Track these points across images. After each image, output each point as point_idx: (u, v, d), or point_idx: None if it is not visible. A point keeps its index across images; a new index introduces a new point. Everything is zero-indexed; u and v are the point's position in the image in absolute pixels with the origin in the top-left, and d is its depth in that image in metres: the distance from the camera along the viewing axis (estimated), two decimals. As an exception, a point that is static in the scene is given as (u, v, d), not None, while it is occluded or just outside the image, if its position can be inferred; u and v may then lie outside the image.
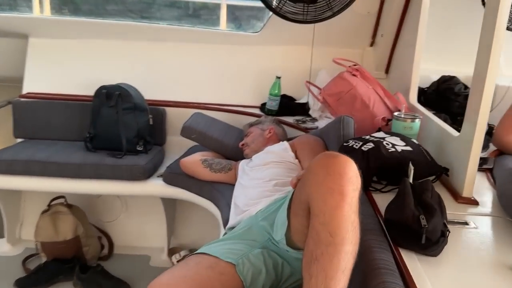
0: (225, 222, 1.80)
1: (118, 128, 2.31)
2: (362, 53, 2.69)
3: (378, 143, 1.54)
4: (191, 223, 2.70)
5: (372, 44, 2.65)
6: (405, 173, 1.52)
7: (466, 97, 2.29)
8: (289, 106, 2.53)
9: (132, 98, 2.35)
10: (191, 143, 2.54)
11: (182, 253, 2.48)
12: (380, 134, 1.66)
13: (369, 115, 2.01)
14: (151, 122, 2.45)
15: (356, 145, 1.58)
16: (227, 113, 2.60)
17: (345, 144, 1.64)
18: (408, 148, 1.56)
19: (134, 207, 2.68)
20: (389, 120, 1.95)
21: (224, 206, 1.90)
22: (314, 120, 2.37)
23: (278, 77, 2.47)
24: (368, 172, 1.50)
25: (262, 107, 2.62)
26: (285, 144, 1.91)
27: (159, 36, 2.71)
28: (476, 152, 1.44)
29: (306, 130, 2.28)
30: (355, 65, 2.16)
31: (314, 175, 1.06)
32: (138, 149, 2.35)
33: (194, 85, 2.71)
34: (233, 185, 2.04)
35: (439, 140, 1.71)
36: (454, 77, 2.31)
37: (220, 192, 2.02)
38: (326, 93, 2.11)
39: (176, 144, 2.61)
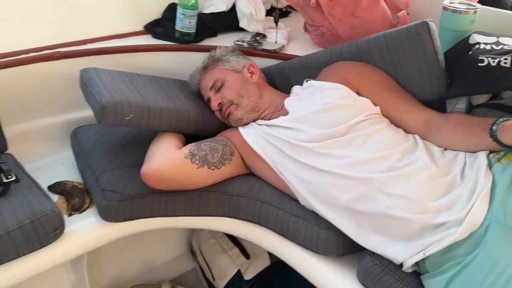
0: (318, 245, 1.07)
1: None
2: None
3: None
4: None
5: None
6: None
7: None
8: (204, 23, 1.61)
9: None
10: (62, 137, 1.43)
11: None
12: (490, 39, 1.18)
13: (381, 13, 1.45)
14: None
15: (505, 62, 1.08)
16: (104, 57, 1.48)
17: (480, 64, 1.10)
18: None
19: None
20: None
21: (292, 221, 1.11)
22: (262, 36, 1.59)
23: (191, -23, 1.49)
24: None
25: (152, 32, 1.60)
26: (341, 87, 1.19)
27: None
28: None
29: (275, 55, 1.51)
30: None
31: None
32: (8, 180, 1.09)
33: (16, 21, 1.38)
34: (243, 175, 1.23)
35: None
36: None
37: (249, 198, 1.17)
38: (320, -10, 1.38)
39: (26, 144, 1.38)
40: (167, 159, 1.13)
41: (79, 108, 1.43)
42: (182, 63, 1.53)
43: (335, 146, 1.08)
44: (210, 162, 1.16)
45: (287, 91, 1.40)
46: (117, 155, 1.25)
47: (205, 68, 1.34)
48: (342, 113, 1.12)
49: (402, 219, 0.94)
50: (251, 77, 1.33)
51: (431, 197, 0.95)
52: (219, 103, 1.28)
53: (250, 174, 1.25)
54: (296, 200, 1.15)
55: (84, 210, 1.20)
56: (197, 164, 1.14)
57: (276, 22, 1.51)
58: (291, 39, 1.62)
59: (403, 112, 1.16)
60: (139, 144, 1.30)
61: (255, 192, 1.17)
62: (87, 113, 1.30)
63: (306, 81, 1.31)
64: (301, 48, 1.55)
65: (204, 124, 1.31)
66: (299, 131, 1.14)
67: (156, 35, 1.59)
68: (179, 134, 1.28)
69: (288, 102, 1.25)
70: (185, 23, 1.51)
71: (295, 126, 1.15)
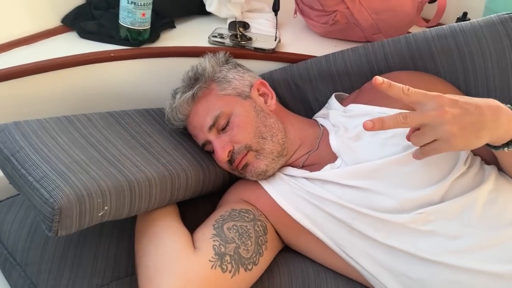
0: None
1: None
2: None
3: None
4: None
5: None
6: None
7: None
8: (155, 9, 1.08)
9: None
10: None
11: None
12: None
13: (411, -8, 1.08)
14: None
15: None
16: (7, 85, 0.91)
17: None
18: None
19: None
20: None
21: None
22: (242, 25, 1.13)
23: None
24: None
25: (78, 28, 1.03)
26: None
27: None
28: None
29: (273, 56, 1.06)
30: None
31: None
32: None
33: None
34: (281, 256, 0.85)
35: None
36: None
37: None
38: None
39: None
40: (187, 275, 0.68)
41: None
42: (141, 77, 1.02)
43: (438, 218, 0.73)
44: (245, 259, 0.74)
45: (303, 113, 1.01)
46: (77, 263, 0.76)
47: (194, 97, 0.86)
48: (433, 162, 0.77)
49: None
50: (266, 102, 0.90)
51: None
52: (230, 151, 0.84)
53: (285, 248, 0.86)
54: (372, 289, 0.80)
55: None
56: (230, 271, 0.72)
57: (276, 10, 1.04)
58: (280, 27, 1.18)
59: None
60: (105, 230, 0.82)
61: (312, 288, 0.80)
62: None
63: (338, 99, 0.92)
64: (302, 41, 1.13)
65: (206, 183, 0.86)
66: (373, 193, 0.77)
67: (85, 34, 1.03)
68: (174, 207, 0.83)
69: (337, 141, 0.85)
70: (136, 16, 0.98)
71: (363, 185, 0.77)
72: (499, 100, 0.87)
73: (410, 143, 0.77)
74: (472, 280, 0.69)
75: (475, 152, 0.82)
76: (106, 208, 0.68)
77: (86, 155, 0.72)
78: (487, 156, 0.81)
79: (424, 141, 0.64)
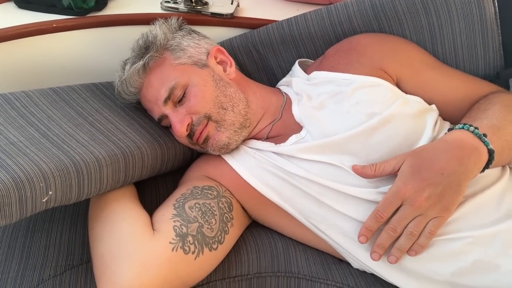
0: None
1: None
2: None
3: None
4: None
5: None
6: None
7: None
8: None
9: None
10: None
11: None
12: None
13: None
14: None
15: None
16: None
17: None
18: None
19: None
20: None
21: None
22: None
23: None
24: None
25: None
26: (379, 83, 0.78)
27: None
28: None
29: (232, 22, 0.99)
30: None
31: None
32: None
33: None
34: (248, 232, 0.81)
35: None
36: None
37: (277, 275, 0.74)
38: None
39: None
40: (145, 260, 0.63)
41: None
42: (87, 48, 0.94)
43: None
44: (209, 238, 0.70)
45: (266, 81, 0.96)
46: (27, 253, 0.71)
47: (146, 67, 0.79)
48: (401, 131, 0.72)
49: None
50: (225, 70, 0.84)
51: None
52: (188, 124, 0.78)
53: (253, 224, 0.82)
54: (344, 261, 0.77)
55: None
56: (193, 252, 0.67)
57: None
58: (237, -11, 1.11)
59: (461, 99, 0.81)
60: (57, 215, 0.76)
61: (282, 263, 0.76)
62: None
63: (303, 66, 0.88)
64: (262, 5, 1.06)
65: (164, 161, 0.81)
66: (340, 168, 0.72)
67: (24, 4, 0.94)
68: (130, 188, 0.77)
69: (300, 110, 0.80)
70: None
71: (330, 161, 0.73)
72: (467, 58, 0.85)
73: (374, 109, 0.74)
74: (444, 247, 0.67)
75: (443, 117, 0.80)
76: (50, 193, 0.61)
77: (24, 135, 0.65)
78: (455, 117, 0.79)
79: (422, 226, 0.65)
